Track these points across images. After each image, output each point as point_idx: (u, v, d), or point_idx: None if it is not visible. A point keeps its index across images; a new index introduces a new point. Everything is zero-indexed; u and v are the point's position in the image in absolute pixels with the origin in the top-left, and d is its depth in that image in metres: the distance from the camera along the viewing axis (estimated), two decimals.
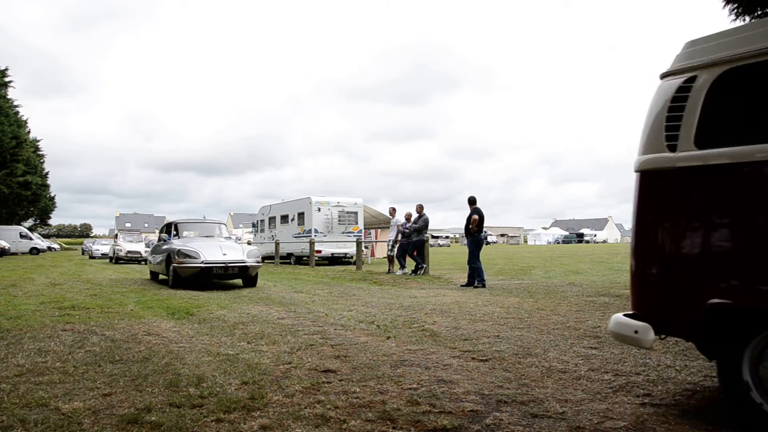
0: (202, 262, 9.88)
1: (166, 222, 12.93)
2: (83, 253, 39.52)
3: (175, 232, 11.82)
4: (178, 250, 10.09)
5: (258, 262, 10.61)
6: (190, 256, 9.95)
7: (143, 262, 22.34)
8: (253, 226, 26.91)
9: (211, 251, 10.21)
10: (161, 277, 12.17)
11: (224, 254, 10.20)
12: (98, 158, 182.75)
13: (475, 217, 10.48)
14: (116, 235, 25.46)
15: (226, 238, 12.11)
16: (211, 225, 12.81)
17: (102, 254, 29.50)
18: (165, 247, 11.23)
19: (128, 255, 23.09)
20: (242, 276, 10.45)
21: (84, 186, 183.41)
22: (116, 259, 23.16)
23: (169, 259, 10.42)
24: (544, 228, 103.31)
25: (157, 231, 25.56)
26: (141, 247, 23.57)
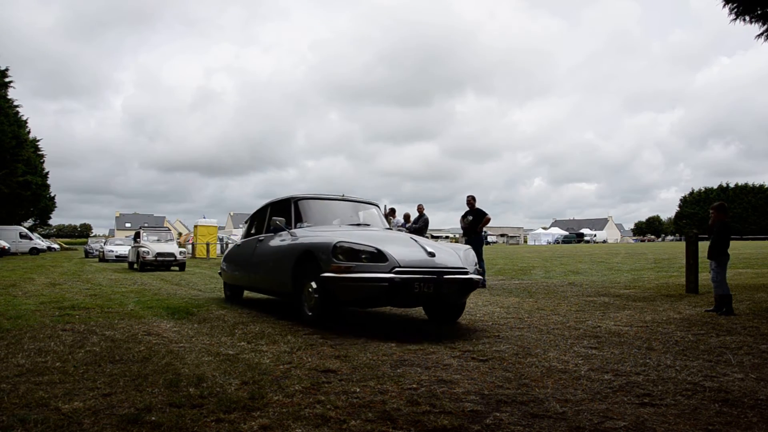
0: (392, 270, 4.93)
1: (273, 200, 7.35)
2: (86, 256, 33.96)
3: (296, 218, 6.56)
4: (338, 244, 5.07)
5: (481, 276, 6.07)
6: (364, 258, 5.03)
7: (176, 268, 17.93)
8: None
9: (405, 249, 5.31)
10: (248, 294, 8.55)
11: (430, 254, 5.27)
12: (102, 158, 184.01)
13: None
14: (138, 233, 19.66)
15: (386, 229, 6.93)
16: (356, 206, 7.27)
17: (117, 257, 24.62)
18: (286, 242, 6.11)
19: (158, 259, 17.38)
20: (453, 300, 5.43)
21: (87, 186, 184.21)
22: (142, 264, 17.46)
23: (303, 265, 5.53)
24: (544, 228, 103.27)
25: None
26: (174, 248, 18.15)
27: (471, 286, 5.36)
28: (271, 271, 6.37)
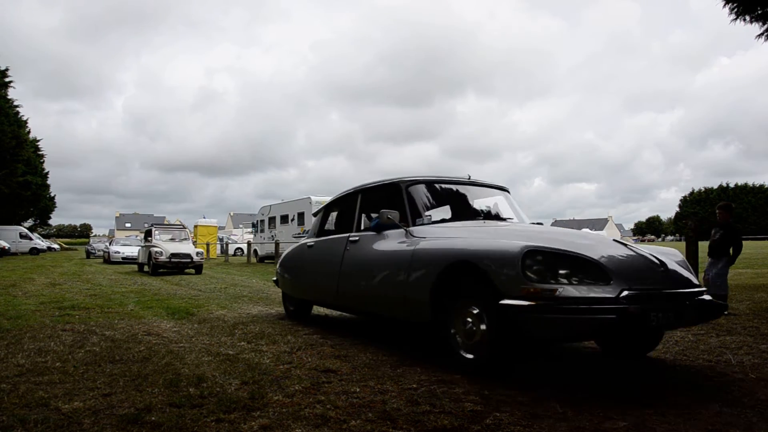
0: (621, 294, 3.16)
1: (366, 185, 5.43)
2: (88, 256, 32.13)
3: (411, 210, 4.66)
4: (531, 252, 3.23)
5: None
6: (572, 276, 3.22)
7: (193, 270, 15.83)
8: (253, 226, 26.95)
9: (625, 258, 3.48)
10: (331, 315, 6.61)
11: (660, 266, 3.50)
12: (103, 158, 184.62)
13: None
14: (149, 231, 17.34)
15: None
16: (485, 191, 5.31)
17: (124, 258, 22.50)
18: (407, 246, 4.28)
19: (173, 261, 15.14)
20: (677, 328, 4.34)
21: (88, 186, 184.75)
22: (154, 267, 15.16)
23: (453, 283, 3.74)
24: None
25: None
26: (189, 248, 15.81)
27: (715, 312, 3.64)
28: (384, 287, 4.40)
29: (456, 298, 3.71)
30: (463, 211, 5.00)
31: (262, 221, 24.51)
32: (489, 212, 5.07)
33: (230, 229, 74.70)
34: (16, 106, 34.91)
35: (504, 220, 4.95)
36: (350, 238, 5.15)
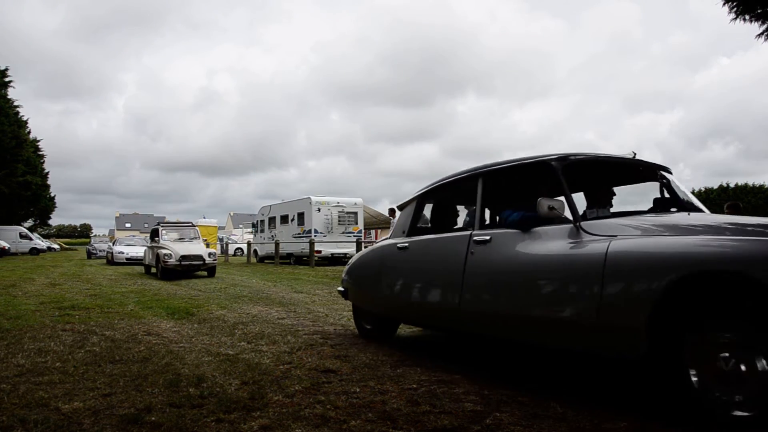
0: None
1: (490, 166, 3.95)
2: (89, 257, 30.03)
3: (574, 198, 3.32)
4: None
5: None
6: None
7: (206, 273, 14.28)
8: (253, 226, 26.96)
9: None
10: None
11: None
12: (104, 159, 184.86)
13: None
14: (155, 230, 15.64)
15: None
16: (650, 173, 3.90)
17: (129, 259, 21.02)
18: (586, 248, 3.01)
19: (183, 263, 13.54)
20: None
21: (88, 186, 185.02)
22: (163, 271, 13.54)
23: (692, 307, 2.52)
24: None
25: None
26: (201, 249, 14.33)
27: None
28: (554, 308, 3.07)
29: (699, 325, 2.55)
30: (636, 198, 3.98)
31: (262, 221, 24.52)
32: (672, 200, 3.74)
33: (230, 229, 74.69)
34: (16, 107, 34.90)
35: (699, 210, 3.66)
36: (475, 238, 3.78)
